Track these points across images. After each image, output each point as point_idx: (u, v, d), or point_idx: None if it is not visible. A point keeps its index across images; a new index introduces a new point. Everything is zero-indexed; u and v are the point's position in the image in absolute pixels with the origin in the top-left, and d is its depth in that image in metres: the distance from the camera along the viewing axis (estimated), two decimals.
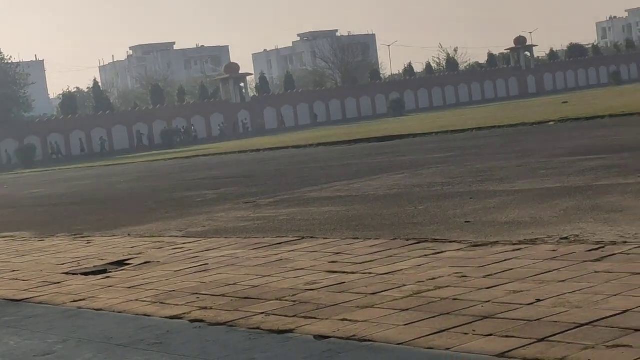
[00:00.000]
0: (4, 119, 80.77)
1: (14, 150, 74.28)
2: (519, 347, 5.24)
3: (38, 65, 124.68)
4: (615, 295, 6.19)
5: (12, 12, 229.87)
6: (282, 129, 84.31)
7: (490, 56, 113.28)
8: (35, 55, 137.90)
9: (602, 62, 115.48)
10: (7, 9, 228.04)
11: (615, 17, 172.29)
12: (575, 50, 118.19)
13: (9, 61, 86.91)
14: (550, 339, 5.34)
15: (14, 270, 11.17)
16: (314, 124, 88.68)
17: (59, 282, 9.78)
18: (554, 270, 7.30)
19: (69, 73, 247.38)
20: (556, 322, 5.69)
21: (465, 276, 7.47)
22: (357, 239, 10.45)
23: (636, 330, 5.30)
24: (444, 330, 5.82)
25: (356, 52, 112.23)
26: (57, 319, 7.90)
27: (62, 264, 11.14)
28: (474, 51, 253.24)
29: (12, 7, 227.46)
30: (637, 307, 5.81)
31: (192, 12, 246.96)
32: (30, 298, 9.04)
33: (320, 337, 6.06)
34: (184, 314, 7.33)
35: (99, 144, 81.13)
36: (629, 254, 7.65)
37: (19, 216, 21.57)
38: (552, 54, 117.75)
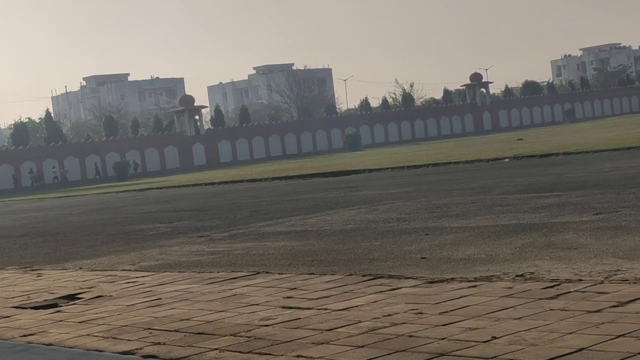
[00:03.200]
0: None
1: None
2: None
3: None
4: (570, 333, 6.22)
5: None
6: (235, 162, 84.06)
7: (446, 92, 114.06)
8: None
9: (557, 99, 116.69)
10: None
11: (570, 55, 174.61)
12: (530, 87, 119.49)
13: None
14: None
15: None
16: (269, 158, 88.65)
17: (8, 316, 9.65)
18: (510, 307, 7.34)
19: (20, 103, 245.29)
20: None
21: (421, 313, 7.48)
22: (313, 274, 10.43)
23: None
24: None
25: (312, 86, 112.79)
26: (6, 353, 7.79)
27: (12, 298, 11.00)
28: (429, 86, 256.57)
29: None
30: (592, 345, 5.85)
31: (147, 43, 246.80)
32: None
33: None
34: (137, 349, 7.27)
35: (51, 175, 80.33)
36: (584, 291, 7.70)
37: None
38: (508, 91, 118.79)
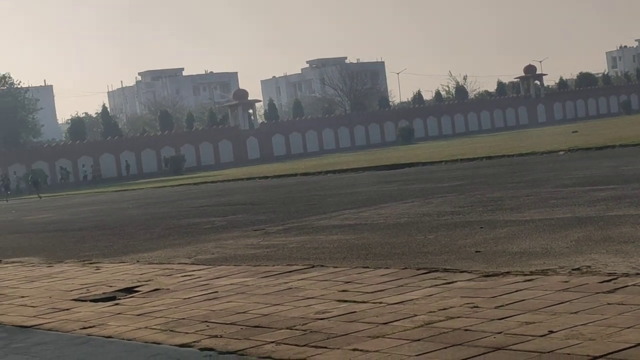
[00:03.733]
0: (13, 144, 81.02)
1: (22, 175, 74.23)
2: None
3: (47, 91, 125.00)
4: (628, 328, 6.15)
5: (22, 38, 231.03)
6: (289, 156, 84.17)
7: (500, 84, 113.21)
8: (44, 81, 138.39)
9: (612, 91, 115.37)
10: (16, 34, 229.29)
11: (625, 46, 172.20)
12: (585, 79, 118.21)
13: (18, 86, 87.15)
14: None
15: (22, 296, 11.17)
16: (322, 151, 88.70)
17: (68, 309, 9.77)
18: (567, 301, 7.27)
19: (77, 98, 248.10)
20: (569, 354, 5.66)
21: (477, 306, 7.44)
22: (367, 267, 10.43)
23: None
24: None
25: (365, 80, 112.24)
26: (67, 345, 7.89)
27: (71, 291, 11.14)
28: (483, 79, 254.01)
29: (21, 33, 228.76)
30: None
31: (201, 38, 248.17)
32: (40, 325, 9.03)
33: None
34: (194, 342, 7.32)
35: (116, 168, 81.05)
36: None
37: (27, 242, 21.57)
38: (562, 83, 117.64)
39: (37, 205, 47.21)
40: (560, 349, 5.82)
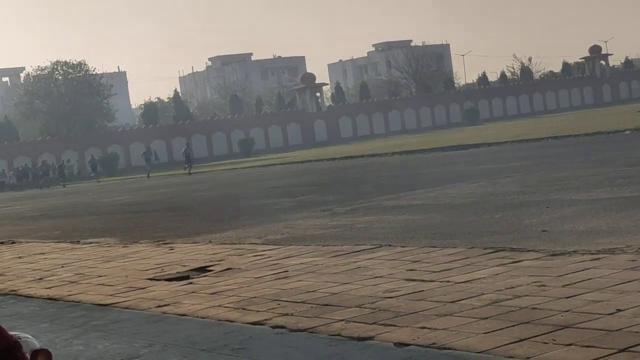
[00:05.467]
0: (88, 128, 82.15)
1: (97, 158, 75.22)
2: (600, 358, 5.19)
3: (121, 77, 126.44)
4: None
5: (95, 25, 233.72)
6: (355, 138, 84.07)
7: (565, 65, 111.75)
8: (118, 67, 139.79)
9: None
10: (89, 21, 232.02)
11: None
12: None
13: (93, 73, 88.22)
14: (632, 349, 5.27)
15: (100, 276, 11.35)
16: (389, 133, 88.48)
17: (143, 288, 9.92)
18: (634, 280, 7.19)
19: (150, 84, 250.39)
20: (638, 332, 5.61)
21: (544, 285, 7.40)
22: (435, 247, 10.41)
23: None
24: (523, 340, 5.78)
25: (430, 62, 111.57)
26: (143, 323, 8.01)
27: (146, 270, 11.30)
28: (548, 60, 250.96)
29: (94, 20, 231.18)
30: None
31: (269, 23, 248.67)
32: (117, 303, 9.18)
33: (400, 344, 6.06)
34: (266, 320, 7.38)
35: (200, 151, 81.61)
36: None
37: (103, 223, 21.90)
38: (628, 63, 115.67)
39: (113, 188, 47.83)
40: (629, 327, 5.76)
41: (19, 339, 1.93)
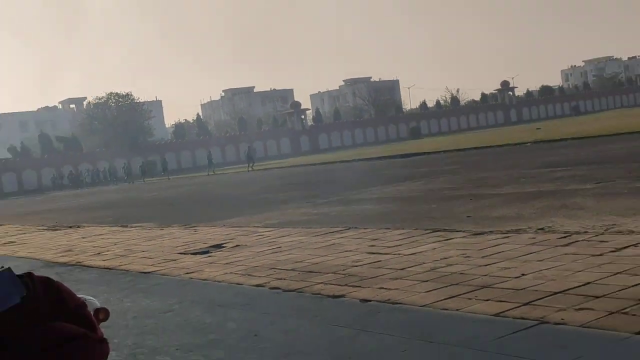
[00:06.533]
0: (134, 143, 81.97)
1: (139, 165, 75.00)
2: (509, 309, 5.22)
3: (157, 104, 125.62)
4: (580, 271, 6.13)
5: (138, 63, 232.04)
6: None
7: (483, 95, 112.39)
8: (155, 96, 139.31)
9: (565, 98, 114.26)
10: (135, 61, 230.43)
11: (575, 65, 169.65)
12: (545, 90, 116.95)
13: (137, 101, 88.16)
14: (532, 303, 5.31)
15: (143, 251, 11.34)
16: (355, 145, 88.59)
17: (175, 260, 9.91)
18: (534, 252, 7.25)
19: (179, 109, 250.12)
20: (537, 290, 5.65)
21: (468, 256, 7.44)
22: (389, 228, 10.44)
23: (596, 297, 5.25)
24: (454, 296, 5.81)
25: (385, 93, 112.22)
26: (175, 286, 8.01)
27: (177, 247, 11.29)
28: (471, 91, 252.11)
29: (139, 60, 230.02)
30: (596, 280, 5.75)
31: (267, 64, 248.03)
32: (155, 271, 9.17)
33: (364, 300, 6.08)
34: (265, 283, 7.39)
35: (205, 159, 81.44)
36: (589, 240, 7.57)
37: (145, 212, 21.85)
38: (529, 93, 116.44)
39: (151, 187, 47.67)
40: (530, 287, 5.81)
41: (84, 300, 1.92)
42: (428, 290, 6.09)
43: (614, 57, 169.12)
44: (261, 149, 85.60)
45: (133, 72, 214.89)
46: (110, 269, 9.92)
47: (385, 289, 6.37)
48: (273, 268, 8.19)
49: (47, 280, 1.83)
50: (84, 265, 10.59)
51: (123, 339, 5.74)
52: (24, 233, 18.38)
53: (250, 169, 51.85)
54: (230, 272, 8.28)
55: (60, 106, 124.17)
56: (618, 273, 5.87)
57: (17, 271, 1.81)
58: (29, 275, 1.80)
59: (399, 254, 8.06)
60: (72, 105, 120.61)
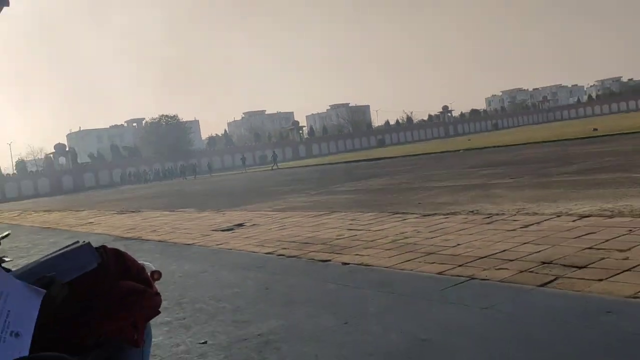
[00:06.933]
0: (179, 151, 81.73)
1: (181, 166, 74.74)
2: (448, 269, 5.22)
3: (195, 122, 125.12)
4: (499, 242, 6.13)
5: (181, 91, 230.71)
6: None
7: (429, 116, 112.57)
8: (194, 117, 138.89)
9: (488, 118, 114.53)
10: (179, 91, 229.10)
11: (495, 94, 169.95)
12: (474, 112, 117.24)
13: (181, 120, 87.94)
14: (465, 265, 5.31)
15: (185, 229, 11.29)
16: (338, 152, 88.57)
17: (208, 235, 9.87)
18: (466, 228, 7.25)
19: (211, 126, 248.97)
20: (468, 256, 5.66)
21: (419, 231, 7.43)
22: (362, 212, 10.43)
23: (510, 260, 5.25)
24: (409, 260, 5.80)
25: (359, 114, 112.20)
26: (209, 254, 7.97)
27: (210, 225, 11.25)
28: (421, 113, 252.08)
29: (183, 89, 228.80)
30: (511, 248, 5.75)
31: (275, 92, 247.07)
32: (195, 243, 9.13)
33: (345, 263, 6.07)
34: (274, 251, 7.37)
35: (238, 162, 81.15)
36: (505, 220, 7.57)
37: (186, 200, 21.76)
38: (462, 114, 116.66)
39: (192, 183, 47.47)
40: (463, 253, 5.81)
41: (143, 264, 1.91)
42: (391, 256, 6.09)
43: (523, 88, 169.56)
44: (270, 156, 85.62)
45: (178, 99, 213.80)
46: (162, 241, 9.88)
47: (360, 255, 6.38)
48: (279, 240, 8.17)
49: (116, 251, 1.83)
50: (144, 239, 10.55)
51: (172, 292, 5.72)
52: (100, 216, 18.28)
53: (275, 167, 51.57)
54: (249, 244, 8.26)
55: (125, 124, 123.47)
56: (526, 243, 5.89)
57: (95, 244, 1.81)
58: (103, 247, 1.79)
59: (370, 230, 8.06)
60: (134, 124, 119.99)
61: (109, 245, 1.81)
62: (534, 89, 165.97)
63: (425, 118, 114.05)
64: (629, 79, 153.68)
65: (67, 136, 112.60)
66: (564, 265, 4.77)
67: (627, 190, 9.21)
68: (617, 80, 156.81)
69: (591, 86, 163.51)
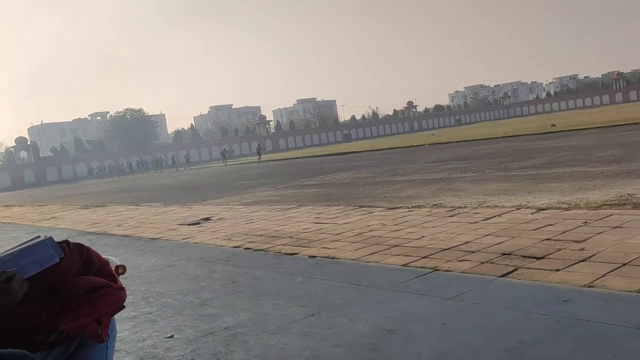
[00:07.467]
0: (145, 145, 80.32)
1: (150, 161, 73.51)
2: (412, 261, 5.28)
3: (162, 116, 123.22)
4: (462, 234, 6.23)
5: (146, 85, 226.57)
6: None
7: (395, 111, 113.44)
8: (160, 110, 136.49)
9: (451, 114, 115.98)
10: (145, 85, 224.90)
11: (458, 90, 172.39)
12: (438, 108, 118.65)
13: (147, 115, 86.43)
14: (429, 256, 5.38)
15: (152, 223, 11.12)
16: (305, 146, 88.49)
17: (175, 229, 9.75)
18: (430, 221, 7.34)
19: (178, 119, 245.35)
20: (432, 248, 5.73)
21: (385, 224, 7.49)
22: (329, 205, 10.46)
23: (472, 252, 5.34)
24: (374, 253, 5.84)
25: (326, 109, 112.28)
26: (175, 248, 7.88)
27: (176, 220, 11.11)
28: (386, 108, 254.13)
29: (148, 84, 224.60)
30: (473, 240, 5.85)
31: (243, 86, 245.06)
32: (161, 237, 9.01)
33: (312, 256, 6.08)
34: (241, 245, 7.33)
35: (206, 156, 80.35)
36: (467, 212, 7.69)
37: (153, 195, 21.44)
38: (426, 110, 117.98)
39: (157, 177, 46.75)
40: (428, 245, 5.89)
41: (108, 259, 1.87)
42: (356, 249, 6.13)
43: (485, 85, 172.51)
44: (238, 150, 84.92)
45: (143, 92, 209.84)
46: (127, 236, 9.71)
47: (327, 248, 6.39)
48: (247, 234, 8.13)
49: (79, 245, 1.78)
50: (109, 234, 10.34)
51: (137, 287, 5.63)
52: (63, 211, 17.85)
53: (259, 161, 49.85)
54: (216, 238, 8.19)
55: (89, 118, 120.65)
56: (487, 235, 6.00)
57: (58, 239, 1.76)
58: (66, 241, 1.75)
59: (336, 223, 8.09)
60: (99, 117, 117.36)
61: (72, 240, 1.77)
62: (495, 86, 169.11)
63: (391, 113, 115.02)
64: (585, 77, 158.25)
65: (28, 130, 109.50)
66: (524, 256, 4.88)
67: (583, 183, 9.49)
68: (574, 77, 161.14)
69: (549, 83, 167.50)
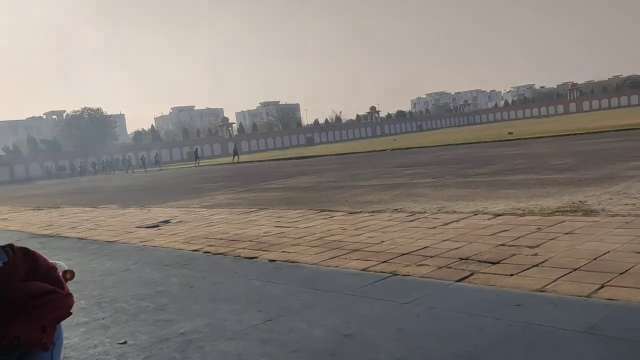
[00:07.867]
0: (103, 145, 78.49)
1: (107, 161, 71.86)
2: (372, 266, 5.31)
3: (121, 116, 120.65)
4: (420, 239, 6.30)
5: (108, 84, 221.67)
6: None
7: (358, 116, 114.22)
8: (120, 110, 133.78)
9: (413, 120, 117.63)
10: (103, 84, 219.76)
11: (420, 97, 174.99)
12: (400, 113, 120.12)
13: (105, 114, 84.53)
14: (388, 261, 5.42)
15: (108, 225, 10.87)
16: (268, 150, 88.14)
17: (132, 232, 9.56)
18: (390, 226, 7.39)
19: (138, 120, 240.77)
20: (391, 252, 5.78)
21: (345, 229, 7.51)
22: (290, 209, 10.43)
23: (431, 256, 5.41)
24: (335, 257, 5.85)
25: (289, 112, 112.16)
26: (132, 251, 7.71)
27: (134, 222, 10.89)
28: (349, 113, 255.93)
29: (108, 81, 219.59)
30: (431, 245, 5.92)
31: (204, 87, 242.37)
32: (117, 240, 8.81)
33: (272, 260, 6.05)
34: (200, 248, 7.23)
35: (152, 159, 79.12)
36: (427, 218, 7.78)
37: (110, 196, 20.95)
38: (389, 115, 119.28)
39: (115, 178, 45.73)
40: (387, 249, 5.93)
41: (55, 264, 1.81)
42: (317, 253, 6.13)
43: (446, 92, 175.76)
44: (200, 151, 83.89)
45: (102, 91, 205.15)
46: (82, 239, 9.45)
47: (287, 252, 6.37)
48: (206, 237, 8.02)
49: (25, 250, 1.71)
50: (62, 236, 10.04)
51: (91, 291, 5.47)
52: (14, 212, 17.25)
53: (235, 162, 48.13)
54: (174, 241, 8.06)
55: (44, 116, 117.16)
56: (445, 240, 6.08)
57: (8, 241, 1.69)
58: (10, 245, 1.68)
59: (297, 227, 8.07)
60: (54, 116, 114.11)
61: (21, 244, 1.70)
62: (456, 93, 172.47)
63: (354, 118, 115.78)
64: (541, 87, 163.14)
65: None
66: (480, 261, 4.97)
67: (537, 190, 9.75)
68: (531, 87, 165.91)
69: (507, 92, 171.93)
